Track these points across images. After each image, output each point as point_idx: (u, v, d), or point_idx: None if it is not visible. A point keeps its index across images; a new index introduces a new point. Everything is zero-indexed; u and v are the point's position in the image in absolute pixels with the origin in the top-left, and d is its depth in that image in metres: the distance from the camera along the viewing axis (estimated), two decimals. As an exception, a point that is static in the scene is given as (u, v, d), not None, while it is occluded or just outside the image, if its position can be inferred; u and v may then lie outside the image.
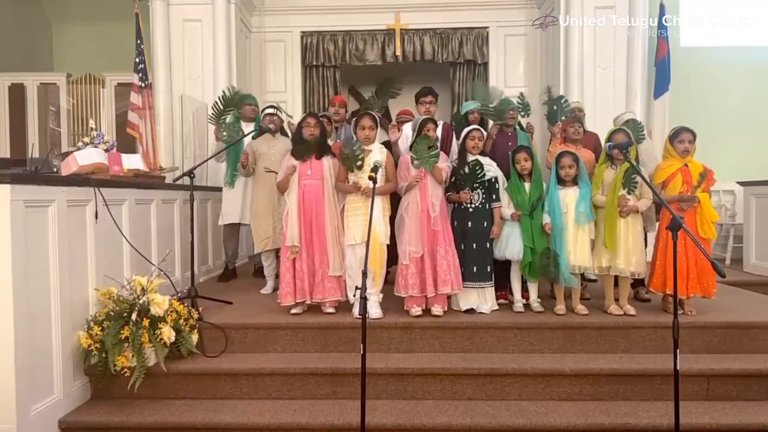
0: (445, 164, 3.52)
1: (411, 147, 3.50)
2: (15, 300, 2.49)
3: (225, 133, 4.34)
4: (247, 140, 4.44)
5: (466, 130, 3.67)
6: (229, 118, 4.58)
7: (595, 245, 3.53)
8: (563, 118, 3.99)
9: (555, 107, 4.03)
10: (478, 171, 3.52)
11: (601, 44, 5.91)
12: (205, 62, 5.97)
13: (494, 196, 3.61)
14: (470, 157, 3.61)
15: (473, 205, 3.59)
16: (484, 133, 3.70)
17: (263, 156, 4.27)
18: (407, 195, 3.52)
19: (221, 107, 4.47)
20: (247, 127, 4.60)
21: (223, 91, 4.61)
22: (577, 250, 3.47)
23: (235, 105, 4.56)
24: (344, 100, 5.04)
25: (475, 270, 3.55)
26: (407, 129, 4.06)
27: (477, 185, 3.56)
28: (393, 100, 4.87)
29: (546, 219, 3.50)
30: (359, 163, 3.44)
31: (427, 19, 6.89)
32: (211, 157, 4.46)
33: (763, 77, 6.75)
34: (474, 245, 3.57)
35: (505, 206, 3.63)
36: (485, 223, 3.59)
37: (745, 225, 5.71)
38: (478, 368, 3.08)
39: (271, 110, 4.51)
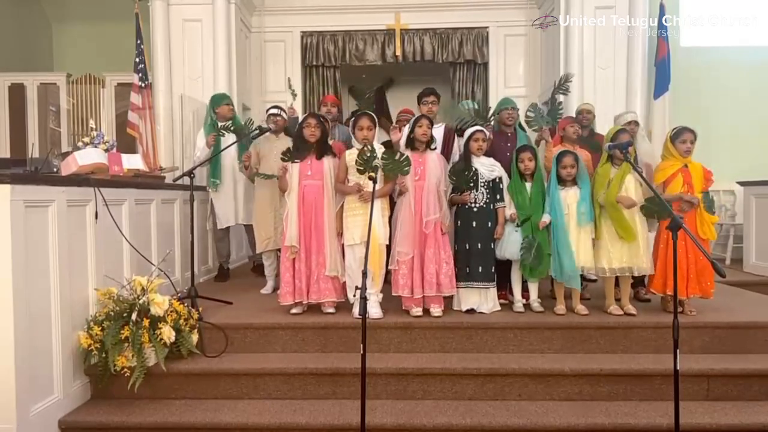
0: (437, 216, 3.47)
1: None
2: (15, 300, 2.49)
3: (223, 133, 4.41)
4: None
5: (469, 131, 3.66)
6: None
7: (599, 247, 3.52)
8: (555, 119, 3.96)
9: (539, 114, 4.00)
10: (467, 176, 3.52)
11: (601, 44, 5.90)
12: (205, 62, 5.96)
13: (498, 196, 3.60)
14: (473, 159, 3.60)
15: (477, 205, 3.59)
16: (487, 133, 3.69)
17: (265, 156, 4.27)
18: (401, 197, 3.52)
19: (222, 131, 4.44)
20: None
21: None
22: (579, 251, 3.46)
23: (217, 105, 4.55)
24: (336, 99, 5.04)
25: (480, 270, 3.55)
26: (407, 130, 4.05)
27: (482, 185, 3.56)
28: (396, 100, 4.85)
29: (545, 218, 3.50)
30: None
31: (427, 19, 6.88)
32: (202, 163, 4.44)
33: (763, 77, 6.75)
34: (478, 245, 3.56)
35: (506, 206, 3.62)
36: (489, 223, 3.59)
37: (745, 225, 5.72)
38: (478, 368, 3.08)
39: (275, 110, 4.50)
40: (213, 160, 4.58)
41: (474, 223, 3.58)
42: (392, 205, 3.65)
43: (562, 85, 4.06)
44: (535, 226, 3.51)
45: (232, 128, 4.43)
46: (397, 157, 3.38)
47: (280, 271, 3.70)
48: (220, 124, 4.53)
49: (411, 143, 3.58)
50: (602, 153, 3.67)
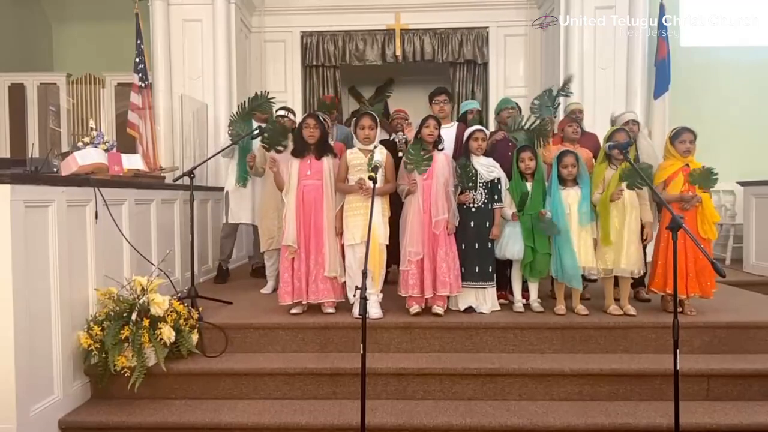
0: (446, 216, 3.48)
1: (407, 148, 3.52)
2: (15, 300, 2.49)
3: (230, 129, 4.39)
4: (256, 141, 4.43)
5: (469, 130, 3.66)
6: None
7: (597, 246, 3.53)
8: (549, 113, 3.96)
9: (544, 103, 4.00)
10: (469, 172, 3.53)
11: (601, 44, 5.91)
12: (205, 62, 5.97)
13: (496, 197, 3.60)
14: (473, 158, 3.60)
15: (475, 205, 3.59)
16: (487, 133, 3.69)
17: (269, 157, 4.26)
18: (409, 197, 3.51)
19: (246, 108, 4.35)
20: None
21: (256, 93, 4.45)
22: (580, 251, 3.46)
23: (260, 107, 4.41)
24: (334, 99, 5.02)
25: (476, 270, 3.55)
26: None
27: (481, 185, 3.56)
28: (396, 100, 4.84)
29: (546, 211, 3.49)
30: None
31: (427, 19, 6.89)
32: (215, 155, 4.44)
33: (763, 77, 6.75)
34: (476, 245, 3.57)
35: (507, 206, 3.62)
36: (487, 223, 3.58)
37: (745, 225, 5.72)
38: (478, 368, 3.08)
39: (282, 111, 4.50)
40: (241, 156, 4.55)
41: (472, 223, 3.58)
42: (393, 206, 3.65)
43: (565, 88, 4.07)
44: (538, 229, 3.50)
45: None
46: (422, 153, 3.40)
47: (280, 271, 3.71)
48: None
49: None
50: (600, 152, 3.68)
